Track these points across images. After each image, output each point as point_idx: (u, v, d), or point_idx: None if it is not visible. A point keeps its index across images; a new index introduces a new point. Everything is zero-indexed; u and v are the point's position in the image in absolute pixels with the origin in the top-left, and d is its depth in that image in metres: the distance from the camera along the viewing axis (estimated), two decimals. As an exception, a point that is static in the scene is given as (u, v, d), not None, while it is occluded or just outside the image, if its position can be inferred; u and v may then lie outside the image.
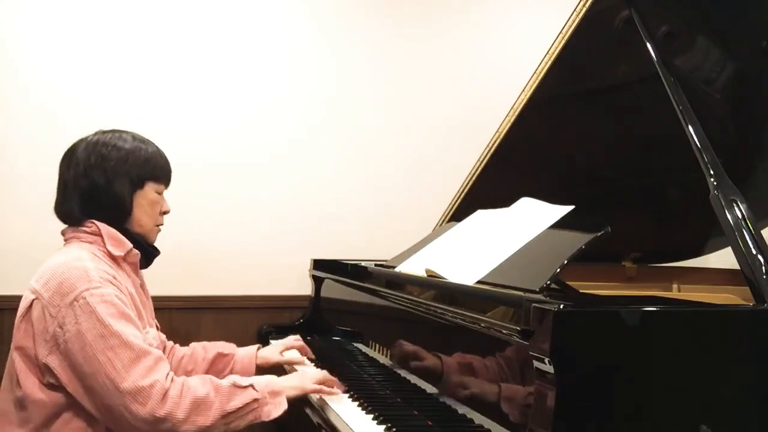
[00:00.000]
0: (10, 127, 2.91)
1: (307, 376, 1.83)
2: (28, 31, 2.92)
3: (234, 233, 3.11)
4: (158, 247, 1.91)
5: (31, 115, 2.92)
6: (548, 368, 1.20)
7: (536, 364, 1.23)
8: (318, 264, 2.90)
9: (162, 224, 1.89)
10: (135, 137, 1.83)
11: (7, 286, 2.84)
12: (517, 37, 3.38)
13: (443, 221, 2.62)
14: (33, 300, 1.65)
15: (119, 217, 1.78)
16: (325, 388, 1.81)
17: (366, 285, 2.26)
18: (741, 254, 1.48)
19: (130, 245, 1.78)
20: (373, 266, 2.32)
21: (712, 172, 1.59)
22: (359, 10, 3.30)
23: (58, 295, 1.60)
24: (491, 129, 2.35)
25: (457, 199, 2.55)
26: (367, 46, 3.30)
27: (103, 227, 1.75)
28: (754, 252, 1.47)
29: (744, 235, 1.49)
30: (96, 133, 1.83)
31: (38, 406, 1.62)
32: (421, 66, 3.35)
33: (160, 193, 1.85)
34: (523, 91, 2.18)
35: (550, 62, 2.07)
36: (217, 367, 2.06)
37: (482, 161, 2.41)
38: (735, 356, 1.31)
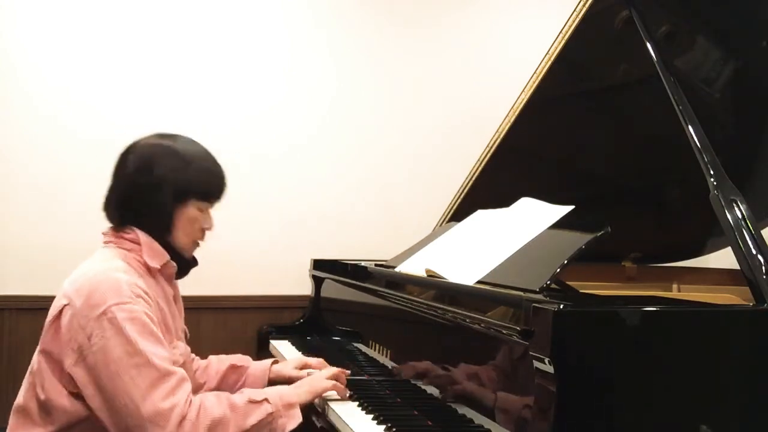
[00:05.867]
0: (11, 128, 2.91)
1: (317, 377, 1.80)
2: (29, 31, 2.93)
3: (234, 233, 3.11)
4: (197, 259, 1.86)
5: (32, 116, 2.92)
6: (548, 368, 1.20)
7: (536, 364, 1.23)
8: (318, 264, 2.90)
9: (202, 240, 1.82)
10: (189, 153, 1.75)
11: (8, 287, 2.84)
12: (517, 36, 3.38)
13: (443, 221, 2.62)
14: (64, 306, 1.62)
15: (159, 228, 1.73)
16: (338, 385, 1.78)
17: (366, 285, 2.26)
18: (741, 254, 1.48)
19: (168, 257, 1.74)
20: (373, 266, 2.32)
21: (712, 172, 1.59)
22: (359, 11, 3.30)
23: (88, 307, 1.58)
24: (491, 129, 2.35)
25: (457, 199, 2.55)
26: (367, 47, 3.30)
27: (143, 236, 1.71)
28: (754, 252, 1.47)
29: (744, 235, 1.49)
30: (155, 136, 1.77)
31: (61, 412, 1.61)
32: (421, 66, 3.35)
33: (203, 211, 1.77)
34: (523, 91, 2.18)
35: (550, 62, 2.07)
36: (228, 380, 2.04)
37: (482, 161, 2.40)
38: (735, 356, 1.31)
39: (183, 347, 1.80)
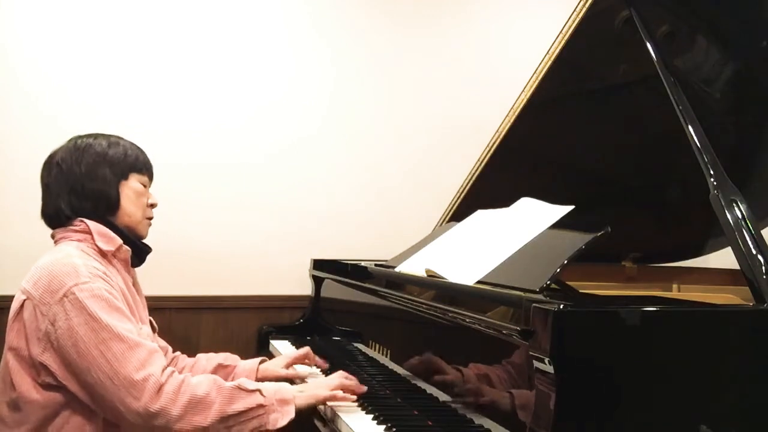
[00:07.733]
0: (9, 128, 2.91)
1: (322, 384, 1.78)
2: (28, 31, 2.92)
3: (234, 233, 3.11)
4: (151, 246, 1.89)
5: (29, 115, 2.92)
6: (548, 368, 1.20)
7: (536, 364, 1.23)
8: (318, 264, 2.90)
9: (152, 217, 1.88)
10: (111, 138, 1.84)
11: (8, 287, 2.84)
12: (517, 36, 3.38)
13: (443, 221, 2.62)
14: (24, 300, 1.64)
15: (106, 209, 1.77)
16: (339, 395, 1.74)
17: (366, 285, 2.26)
18: (741, 254, 1.48)
19: (120, 241, 1.77)
20: (373, 266, 2.32)
21: (712, 172, 1.59)
22: (359, 11, 3.30)
23: (48, 293, 1.60)
24: (491, 129, 2.35)
25: (457, 199, 2.55)
26: (366, 47, 3.30)
27: (92, 224, 1.74)
28: (754, 252, 1.47)
29: (744, 235, 1.49)
30: (71, 140, 1.83)
31: (34, 407, 1.61)
32: (421, 66, 3.35)
33: (145, 186, 1.84)
34: (523, 91, 2.18)
35: (550, 62, 2.07)
36: None
37: (482, 161, 2.40)
38: (735, 356, 1.31)
39: (147, 330, 1.82)
